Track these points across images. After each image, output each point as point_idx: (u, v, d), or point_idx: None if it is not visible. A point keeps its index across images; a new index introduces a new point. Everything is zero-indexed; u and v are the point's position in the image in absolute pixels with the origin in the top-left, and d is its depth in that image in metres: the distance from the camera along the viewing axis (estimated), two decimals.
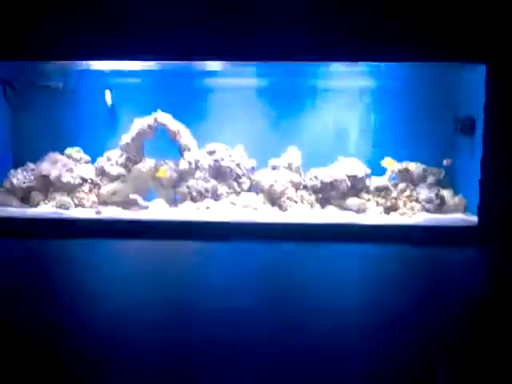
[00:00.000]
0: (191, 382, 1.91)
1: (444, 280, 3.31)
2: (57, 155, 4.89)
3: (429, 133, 4.94)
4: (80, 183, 4.74)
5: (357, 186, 4.75)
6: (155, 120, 4.77)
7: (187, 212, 4.58)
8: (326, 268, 3.52)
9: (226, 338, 2.27)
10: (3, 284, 3.08)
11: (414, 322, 2.53)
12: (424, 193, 4.71)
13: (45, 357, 2.09)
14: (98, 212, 4.49)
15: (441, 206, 4.66)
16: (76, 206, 4.67)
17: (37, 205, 4.71)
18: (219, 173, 4.84)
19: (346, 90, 5.10)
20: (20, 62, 4.53)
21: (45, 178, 4.75)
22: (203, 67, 4.90)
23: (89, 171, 4.82)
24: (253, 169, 4.96)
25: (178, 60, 4.33)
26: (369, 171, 4.80)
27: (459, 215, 4.59)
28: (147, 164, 4.75)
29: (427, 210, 4.65)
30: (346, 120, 5.13)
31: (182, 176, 4.83)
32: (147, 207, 4.72)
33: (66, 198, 4.65)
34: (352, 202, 4.68)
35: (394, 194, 4.75)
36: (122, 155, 4.82)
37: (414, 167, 4.84)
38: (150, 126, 4.77)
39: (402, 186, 4.78)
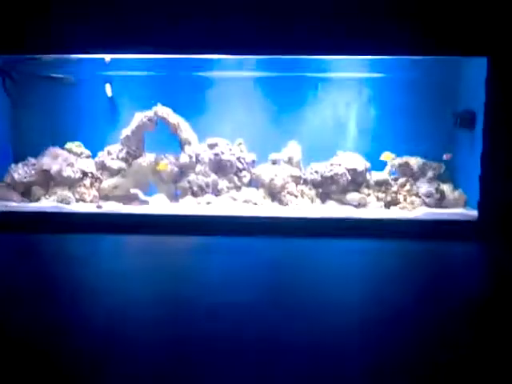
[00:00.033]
0: (191, 378, 1.92)
1: (444, 274, 3.32)
2: (57, 150, 4.89)
3: (429, 127, 4.92)
4: (81, 178, 4.75)
5: (357, 180, 4.75)
6: (155, 113, 4.77)
7: (188, 207, 4.58)
8: (325, 262, 3.53)
9: (226, 334, 2.28)
10: (4, 279, 3.09)
11: (413, 316, 2.55)
12: (424, 187, 4.71)
13: (43, 352, 2.10)
14: (99, 207, 4.50)
15: (441, 201, 4.67)
16: (77, 200, 4.68)
17: (38, 199, 4.71)
18: (219, 166, 4.84)
19: (347, 84, 5.08)
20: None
21: (46, 172, 4.75)
22: (202, 61, 4.87)
23: (89, 166, 4.83)
24: (253, 162, 4.96)
25: (181, 54, 4.31)
26: (368, 165, 4.80)
27: (459, 210, 4.59)
28: (147, 158, 4.75)
29: (427, 205, 4.65)
30: (347, 114, 5.11)
31: (183, 170, 4.83)
32: (147, 202, 4.72)
33: (66, 193, 4.66)
34: (352, 196, 4.68)
35: (394, 188, 4.75)
36: (122, 149, 4.82)
37: (414, 161, 4.83)
38: (150, 119, 4.77)
39: (402, 180, 4.78)
